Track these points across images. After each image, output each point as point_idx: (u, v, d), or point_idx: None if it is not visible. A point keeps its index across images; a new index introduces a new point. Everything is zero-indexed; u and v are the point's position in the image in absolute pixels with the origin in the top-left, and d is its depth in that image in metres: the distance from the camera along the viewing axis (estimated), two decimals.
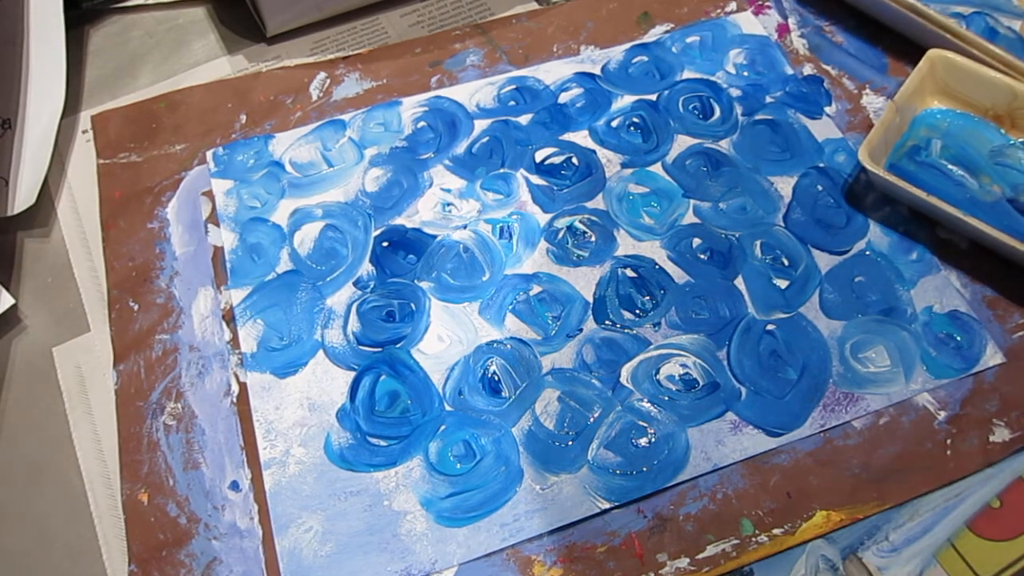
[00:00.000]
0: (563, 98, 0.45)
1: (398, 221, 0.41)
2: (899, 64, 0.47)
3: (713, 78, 0.46)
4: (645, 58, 0.47)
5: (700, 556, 0.32)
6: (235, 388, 0.36)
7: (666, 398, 0.35)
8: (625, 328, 0.37)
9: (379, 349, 0.37)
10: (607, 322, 0.37)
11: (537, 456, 0.34)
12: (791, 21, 0.49)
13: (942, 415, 0.35)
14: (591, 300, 0.38)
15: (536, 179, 0.42)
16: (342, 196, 0.41)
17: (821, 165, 0.43)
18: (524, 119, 0.44)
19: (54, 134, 0.42)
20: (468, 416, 0.35)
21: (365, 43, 0.48)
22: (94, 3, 0.49)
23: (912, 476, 0.34)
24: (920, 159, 0.41)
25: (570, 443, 0.34)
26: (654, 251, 0.40)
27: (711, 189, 0.42)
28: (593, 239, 0.40)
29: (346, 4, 0.49)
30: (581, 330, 0.37)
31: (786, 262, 0.39)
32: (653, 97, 0.45)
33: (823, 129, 0.44)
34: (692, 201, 0.41)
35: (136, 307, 0.38)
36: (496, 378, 0.36)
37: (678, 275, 0.39)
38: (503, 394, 0.36)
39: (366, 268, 0.39)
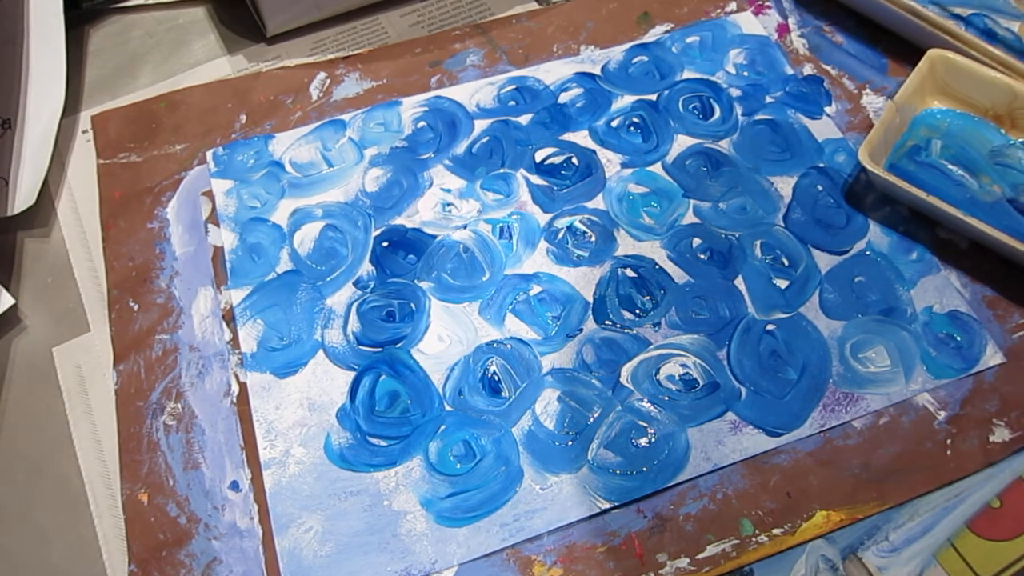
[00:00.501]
0: (563, 98, 0.45)
1: (398, 221, 0.41)
2: (899, 64, 0.47)
3: (713, 78, 0.46)
4: (645, 58, 0.47)
5: (700, 556, 0.32)
6: (235, 388, 0.36)
7: (666, 398, 0.35)
8: (625, 328, 0.37)
9: (379, 349, 0.37)
10: (607, 322, 0.37)
11: (537, 456, 0.34)
12: (791, 21, 0.49)
13: (942, 415, 0.35)
14: (591, 300, 0.38)
15: (536, 179, 0.42)
16: (342, 196, 0.41)
17: (821, 165, 0.43)
18: (524, 119, 0.44)
19: (54, 134, 0.42)
20: (468, 416, 0.35)
21: (365, 43, 0.48)
22: (94, 3, 0.49)
23: (912, 476, 0.34)
24: (920, 159, 0.41)
25: (570, 443, 0.34)
26: (654, 251, 0.40)
27: (711, 189, 0.42)
28: (593, 239, 0.40)
29: (346, 4, 0.49)
30: (581, 330, 0.37)
31: (786, 262, 0.39)
32: (653, 97, 0.45)
33: (823, 129, 0.44)
34: (692, 201, 0.41)
35: (136, 307, 0.38)
36: (496, 378, 0.36)
37: (678, 275, 0.39)
38: (503, 394, 0.36)
39: (366, 268, 0.39)
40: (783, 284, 0.39)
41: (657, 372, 0.36)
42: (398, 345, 0.37)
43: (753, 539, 0.33)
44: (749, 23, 0.49)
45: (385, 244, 0.40)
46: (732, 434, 0.35)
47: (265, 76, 0.46)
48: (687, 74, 0.46)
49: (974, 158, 0.41)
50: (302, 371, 0.36)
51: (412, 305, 0.38)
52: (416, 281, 0.39)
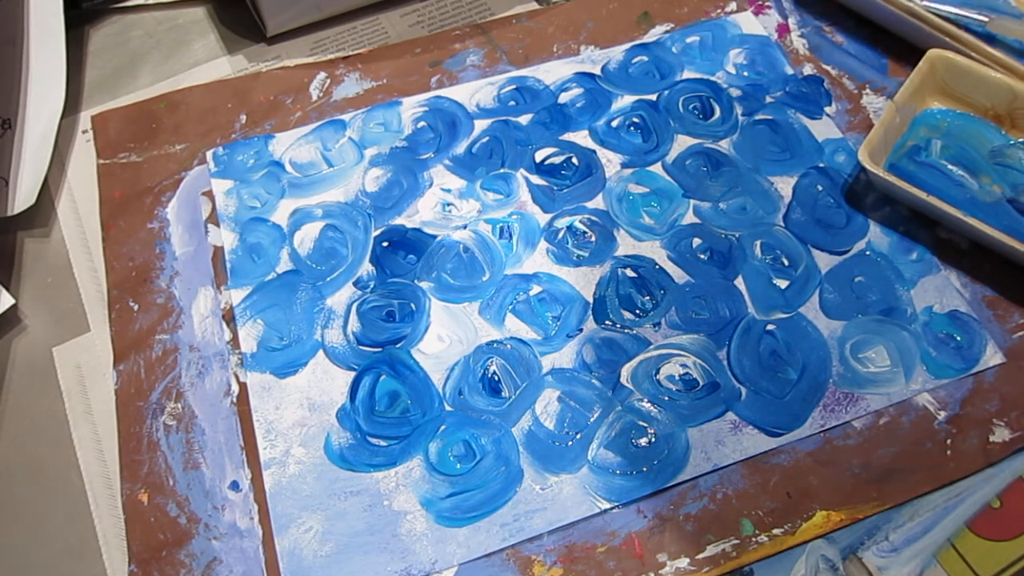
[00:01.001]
0: (563, 98, 0.45)
1: (398, 221, 0.41)
2: (899, 64, 0.47)
3: (713, 78, 0.46)
4: (645, 58, 0.47)
5: (700, 556, 0.32)
6: (235, 388, 0.36)
7: (666, 398, 0.35)
8: (625, 328, 0.37)
9: (379, 349, 0.37)
10: (607, 322, 0.37)
11: (537, 456, 0.34)
12: (791, 21, 0.49)
13: (942, 415, 0.35)
14: (591, 300, 0.38)
15: (536, 179, 0.42)
16: (342, 196, 0.41)
17: (821, 165, 0.43)
18: (524, 119, 0.44)
19: (54, 134, 0.42)
20: (468, 416, 0.35)
21: (365, 43, 0.48)
22: (94, 3, 0.49)
23: (912, 476, 0.34)
24: (920, 159, 0.41)
25: (570, 443, 0.34)
26: (654, 251, 0.40)
27: (711, 189, 0.42)
28: (593, 239, 0.40)
29: (346, 4, 0.49)
30: (581, 330, 0.37)
31: (786, 262, 0.39)
32: (653, 97, 0.45)
33: (823, 129, 0.44)
34: (692, 201, 0.41)
35: (136, 307, 0.38)
36: (496, 378, 0.36)
37: (678, 275, 0.39)
38: (503, 394, 0.36)
39: (366, 268, 0.39)
40: (783, 284, 0.39)
41: (657, 372, 0.36)
42: (398, 345, 0.37)
43: (753, 539, 0.33)
44: (749, 23, 0.49)
45: (385, 244, 0.40)
46: (732, 434, 0.35)
47: (265, 76, 0.46)
48: (687, 74, 0.46)
49: (974, 158, 0.41)
50: (302, 371, 0.36)
51: (412, 305, 0.38)
52: (416, 281, 0.39)
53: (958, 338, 0.37)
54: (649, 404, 0.35)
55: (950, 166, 0.41)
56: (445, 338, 0.37)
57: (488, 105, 0.45)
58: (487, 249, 0.40)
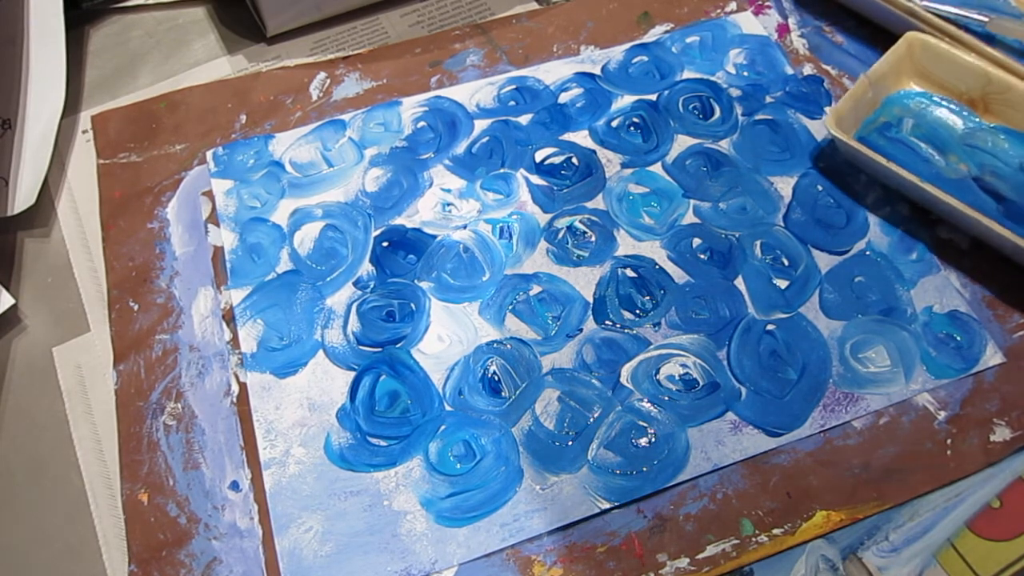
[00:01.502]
0: (563, 98, 0.45)
1: (398, 221, 0.41)
2: None
3: (713, 78, 0.46)
4: (645, 58, 0.47)
5: (700, 556, 0.32)
6: (235, 388, 0.36)
7: (666, 398, 0.35)
8: (625, 328, 0.37)
9: (379, 349, 0.37)
10: (607, 322, 0.37)
11: (537, 456, 0.34)
12: (791, 21, 0.49)
13: (942, 415, 0.35)
14: (591, 300, 0.38)
15: (536, 179, 0.42)
16: (342, 196, 0.41)
17: (821, 165, 0.43)
18: (524, 119, 0.44)
19: (54, 134, 0.42)
20: (468, 416, 0.35)
21: (365, 43, 0.48)
22: (94, 3, 0.49)
23: (912, 476, 0.34)
24: (890, 135, 0.42)
25: (570, 443, 0.34)
26: (654, 251, 0.40)
27: (711, 189, 0.42)
28: (593, 239, 0.40)
29: (346, 4, 0.49)
30: (581, 330, 0.37)
31: (786, 262, 0.39)
32: (653, 97, 0.45)
33: (823, 129, 0.44)
34: (692, 201, 0.41)
35: (136, 307, 0.38)
36: (496, 378, 0.36)
37: (678, 275, 0.39)
38: (503, 394, 0.36)
39: (366, 268, 0.39)
40: (783, 284, 0.39)
41: (657, 372, 0.36)
42: (398, 345, 0.37)
43: (753, 539, 0.33)
44: (749, 23, 0.49)
45: (385, 244, 0.40)
46: (732, 434, 0.35)
47: (265, 76, 0.46)
48: (687, 74, 0.46)
49: (944, 138, 0.42)
50: (302, 371, 0.36)
51: (412, 305, 0.38)
52: (416, 281, 0.39)
53: (958, 338, 0.37)
54: (649, 404, 0.35)
55: (919, 143, 0.41)
56: (445, 338, 0.37)
57: (488, 105, 0.45)
58: (487, 249, 0.40)
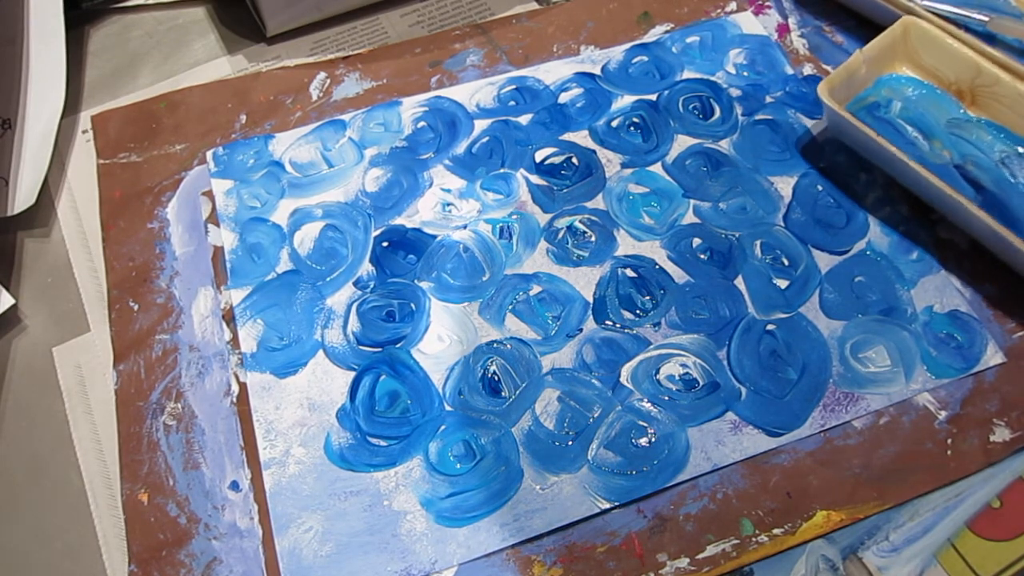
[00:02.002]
0: (563, 98, 0.45)
1: (398, 221, 0.41)
2: None
3: (713, 78, 0.46)
4: (645, 58, 0.47)
5: (700, 556, 0.32)
6: (235, 388, 0.36)
7: (666, 398, 0.35)
8: (625, 328, 0.37)
9: (379, 349, 0.37)
10: (607, 322, 0.37)
11: (537, 456, 0.34)
12: (791, 21, 0.49)
13: (942, 415, 0.35)
14: (591, 300, 0.38)
15: (536, 179, 0.42)
16: (342, 196, 0.41)
17: (821, 165, 0.43)
18: (524, 119, 0.44)
19: (54, 134, 0.42)
20: (468, 416, 0.35)
21: (365, 43, 0.48)
22: (94, 3, 0.49)
23: (912, 476, 0.34)
24: (878, 114, 0.42)
25: (570, 443, 0.34)
26: (654, 251, 0.40)
27: (711, 189, 0.42)
28: (593, 239, 0.40)
29: (346, 4, 0.49)
30: (581, 330, 0.37)
31: (786, 262, 0.39)
32: (653, 97, 0.45)
33: (823, 129, 0.44)
34: (692, 201, 0.41)
35: (136, 307, 0.38)
36: (496, 378, 0.36)
37: (678, 275, 0.39)
38: (503, 394, 0.36)
39: (366, 268, 0.39)
40: (783, 284, 0.39)
41: (657, 372, 0.36)
42: (398, 345, 0.37)
43: (753, 539, 0.33)
44: (749, 23, 0.49)
45: (385, 244, 0.40)
46: (732, 434, 0.35)
47: (265, 76, 0.46)
48: (687, 74, 0.46)
49: (930, 124, 0.42)
50: (302, 371, 0.36)
51: (412, 305, 0.38)
52: (416, 281, 0.39)
53: (958, 338, 0.37)
54: (649, 404, 0.35)
55: (906, 126, 0.42)
56: (445, 338, 0.37)
57: (488, 105, 0.45)
58: (487, 249, 0.40)
